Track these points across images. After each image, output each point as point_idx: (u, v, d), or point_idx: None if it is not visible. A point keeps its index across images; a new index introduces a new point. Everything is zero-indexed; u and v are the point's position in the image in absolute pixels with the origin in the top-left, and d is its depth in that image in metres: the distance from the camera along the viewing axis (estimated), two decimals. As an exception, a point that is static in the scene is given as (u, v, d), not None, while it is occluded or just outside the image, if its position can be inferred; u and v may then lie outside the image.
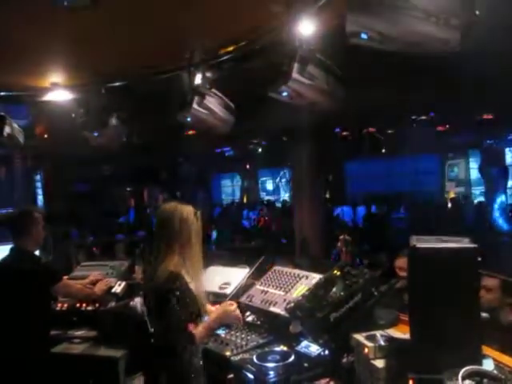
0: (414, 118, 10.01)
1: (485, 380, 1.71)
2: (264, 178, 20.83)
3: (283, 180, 18.42)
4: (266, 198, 19.03)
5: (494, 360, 1.96)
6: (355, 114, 7.10)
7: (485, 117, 9.58)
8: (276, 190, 20.05)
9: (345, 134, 9.72)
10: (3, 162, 9.98)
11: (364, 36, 1.85)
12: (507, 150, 11.18)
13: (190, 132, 7.42)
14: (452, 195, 13.78)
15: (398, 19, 1.73)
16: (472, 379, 1.71)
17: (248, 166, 17.70)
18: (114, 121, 4.33)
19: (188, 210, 2.44)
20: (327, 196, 12.33)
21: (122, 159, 12.27)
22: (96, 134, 4.37)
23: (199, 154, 13.64)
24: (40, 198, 10.16)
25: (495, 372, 1.78)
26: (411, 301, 2.05)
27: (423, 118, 10.04)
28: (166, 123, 8.10)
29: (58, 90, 4.48)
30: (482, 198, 12.61)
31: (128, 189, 18.49)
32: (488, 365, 1.88)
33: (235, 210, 16.32)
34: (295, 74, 2.80)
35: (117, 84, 4.28)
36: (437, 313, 1.88)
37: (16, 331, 3.17)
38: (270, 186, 20.71)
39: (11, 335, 3.17)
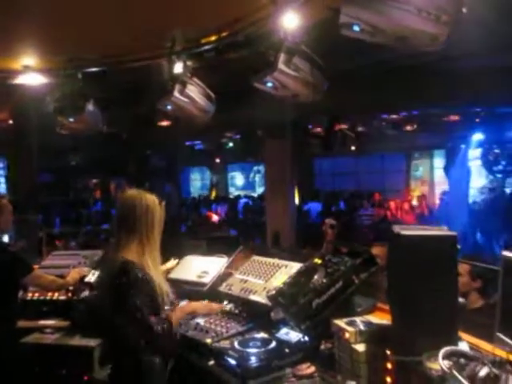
0: (384, 117, 10.27)
1: (461, 360, 1.80)
2: (233, 173, 20.83)
3: (257, 175, 18.43)
4: (236, 193, 19.02)
5: (468, 342, 2.07)
6: (328, 110, 7.21)
7: (451, 118, 9.93)
8: (247, 185, 20.07)
9: (316, 130, 9.87)
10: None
11: (356, 28, 1.90)
12: (470, 150, 11.61)
13: (164, 123, 7.34)
14: (417, 193, 14.20)
15: (392, 12, 1.79)
16: (450, 359, 1.80)
17: (218, 160, 17.63)
18: (90, 107, 4.24)
19: (151, 198, 2.39)
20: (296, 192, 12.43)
21: (89, 149, 12.00)
22: (72, 120, 4.26)
23: (169, 147, 13.50)
24: (3, 186, 9.77)
25: (471, 352, 1.87)
26: (391, 286, 2.13)
27: (392, 117, 10.32)
28: (138, 113, 8.01)
29: (30, 74, 4.34)
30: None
31: (94, 180, 18.09)
32: (463, 347, 1.97)
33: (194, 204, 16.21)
34: (281, 65, 2.84)
35: (94, 70, 4.18)
36: (416, 297, 1.96)
37: None
38: (239, 181, 20.72)
39: None
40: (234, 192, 19.63)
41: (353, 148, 13.26)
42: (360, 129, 10.92)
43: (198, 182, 21.67)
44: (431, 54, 5.28)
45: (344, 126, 8.79)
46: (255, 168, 18.17)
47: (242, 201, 15.75)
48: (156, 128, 8.51)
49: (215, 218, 13.90)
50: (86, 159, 13.24)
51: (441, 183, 13.98)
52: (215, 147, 15.69)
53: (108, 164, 12.83)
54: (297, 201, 10.27)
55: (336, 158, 15.22)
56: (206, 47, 3.70)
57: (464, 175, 11.72)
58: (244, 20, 3.35)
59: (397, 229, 2.04)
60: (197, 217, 13.40)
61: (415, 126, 10.74)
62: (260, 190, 18.00)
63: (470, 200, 11.81)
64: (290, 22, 2.94)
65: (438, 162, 14.15)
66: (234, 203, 15.64)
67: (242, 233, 8.30)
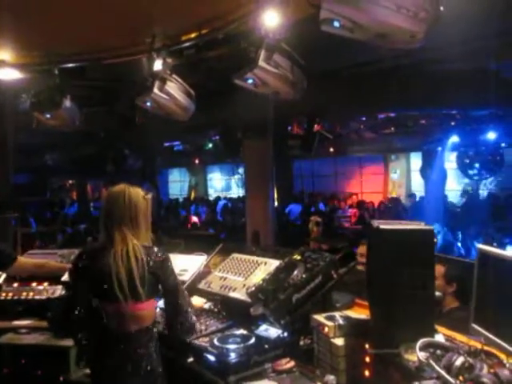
0: (362, 119, 10.41)
1: (438, 351, 1.83)
2: (212, 175, 20.76)
3: (236, 176, 18.37)
4: (215, 194, 18.96)
5: (444, 335, 2.11)
6: (307, 111, 7.26)
7: (427, 121, 10.13)
8: (226, 187, 20.01)
9: (296, 132, 9.91)
10: None
11: (336, 24, 1.92)
12: (446, 153, 11.83)
13: (142, 123, 7.26)
14: (394, 195, 14.43)
15: (371, 9, 1.82)
16: (427, 350, 1.83)
17: (197, 162, 17.53)
18: (67, 103, 4.16)
19: (135, 191, 2.41)
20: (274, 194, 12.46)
21: (66, 148, 11.79)
22: (48, 116, 4.18)
23: (147, 147, 13.37)
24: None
25: (447, 343, 1.91)
26: (370, 280, 2.16)
27: (370, 119, 10.46)
28: (116, 112, 7.91)
29: (5, 68, 4.24)
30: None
31: (70, 181, 17.79)
32: (439, 339, 2.01)
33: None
34: (261, 62, 2.85)
35: (71, 65, 4.12)
36: (394, 290, 1.99)
37: None
38: (218, 183, 20.66)
39: None
40: (213, 194, 19.57)
41: (331, 150, 13.40)
42: (338, 131, 11.02)
43: (176, 183, 21.52)
44: (410, 56, 5.41)
45: (322, 128, 8.87)
46: (234, 169, 18.13)
47: (221, 202, 15.72)
48: (134, 128, 8.43)
49: (195, 219, 13.84)
50: (63, 159, 13.01)
51: (417, 185, 14.24)
52: (194, 148, 15.61)
53: (85, 164, 12.62)
54: (276, 202, 10.31)
55: (314, 160, 15.34)
56: (186, 44, 3.68)
57: (440, 178, 11.95)
58: (224, 17, 3.36)
59: (376, 223, 2.07)
60: (176, 218, 13.34)
61: (392, 129, 10.91)
62: (239, 191, 17.98)
63: (446, 202, 12.07)
64: (271, 19, 2.95)
65: (415, 164, 14.39)
66: (213, 205, 15.61)
67: (221, 233, 8.28)
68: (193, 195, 19.63)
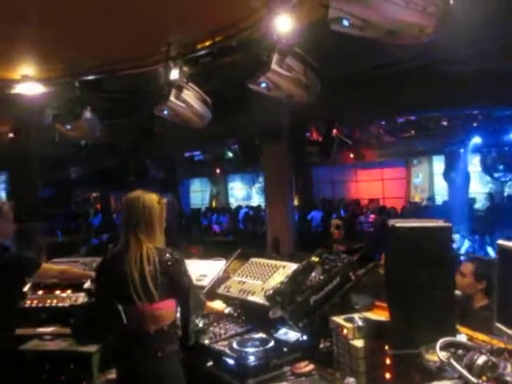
0: (381, 123, 10.30)
1: (459, 351, 1.79)
2: (233, 184, 20.83)
3: (257, 185, 18.39)
4: (236, 204, 19.00)
5: (467, 335, 2.06)
6: (325, 115, 7.24)
7: (448, 122, 9.95)
8: (247, 196, 20.03)
9: (314, 138, 9.88)
10: (-37, 160, 9.56)
11: (345, 22, 1.92)
12: (470, 156, 11.60)
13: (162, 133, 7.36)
14: (417, 199, 14.19)
15: (380, 6, 1.82)
16: (448, 350, 1.79)
17: (218, 171, 17.63)
18: (88, 114, 4.27)
19: (150, 197, 2.51)
20: (296, 201, 12.45)
21: (89, 161, 12.02)
22: (69, 127, 4.29)
23: (167, 158, 13.53)
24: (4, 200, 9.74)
25: (469, 342, 1.86)
26: (389, 280, 2.12)
27: (389, 123, 10.35)
28: (136, 123, 8.04)
29: (28, 83, 4.37)
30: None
31: (94, 194, 18.10)
32: (461, 339, 1.96)
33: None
34: (274, 65, 2.87)
35: (90, 78, 4.22)
36: (413, 290, 1.96)
37: None
38: (239, 192, 20.70)
39: None
40: (234, 203, 19.61)
41: (351, 155, 13.31)
42: (357, 136, 10.94)
43: (198, 193, 21.66)
44: (427, 57, 5.34)
45: (341, 133, 8.82)
46: (255, 178, 18.15)
47: (243, 211, 15.75)
48: (154, 138, 8.54)
49: (216, 228, 13.91)
50: (86, 172, 13.28)
51: (440, 189, 13.97)
52: (214, 158, 15.71)
53: (108, 176, 12.85)
54: (297, 209, 10.27)
55: (334, 166, 15.26)
56: (201, 52, 3.73)
57: (464, 181, 11.70)
58: (238, 24, 3.39)
59: (392, 222, 2.04)
60: (197, 228, 13.41)
61: (413, 132, 10.76)
62: (260, 200, 17.97)
63: (471, 205, 11.80)
64: (284, 24, 2.97)
65: (438, 168, 14.13)
66: (234, 213, 15.64)
67: (242, 240, 8.28)
68: (214, 204, 19.72)
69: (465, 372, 1.62)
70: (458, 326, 2.10)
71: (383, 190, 16.04)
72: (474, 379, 1.59)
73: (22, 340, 3.37)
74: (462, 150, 11.41)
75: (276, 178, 7.29)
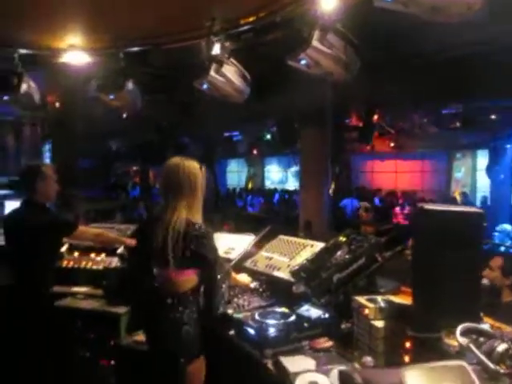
0: (424, 113, 9.99)
1: (481, 338, 1.76)
2: (269, 167, 20.81)
3: (293, 169, 18.24)
4: (271, 186, 19.00)
5: (490, 325, 2.02)
6: (366, 99, 7.10)
7: (497, 116, 9.54)
8: (282, 180, 19.99)
9: (354, 123, 9.71)
10: (11, 128, 9.94)
11: (389, -3, 1.88)
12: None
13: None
14: (456, 195, 13.76)
15: (425, -21, 1.76)
16: (468, 336, 1.77)
17: (255, 152, 17.65)
18: (130, 85, 4.38)
19: (193, 163, 2.52)
20: (332, 187, 12.33)
21: (129, 135, 12.31)
22: (112, 97, 4.42)
23: (206, 136, 13.66)
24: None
25: (490, 330, 1.83)
26: (414, 263, 2.10)
27: (434, 113, 10.02)
28: (176, 100, 8.14)
29: (74, 52, 4.50)
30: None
31: (134, 168, 18.55)
32: (484, 327, 1.93)
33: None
34: (315, 42, 2.84)
35: (135, 49, 4.30)
36: (439, 274, 1.93)
37: (23, 280, 3.25)
38: (275, 175, 20.69)
39: (19, 283, 3.25)
40: (269, 185, 19.64)
41: (391, 145, 13.01)
42: (400, 125, 10.66)
43: (234, 173, 21.79)
44: (476, 46, 5.12)
45: (382, 120, 8.63)
46: (291, 162, 18.02)
47: (278, 193, 15.78)
48: (194, 116, 8.63)
49: (250, 209, 14.00)
50: (127, 145, 13.60)
51: (483, 186, 13.50)
52: (253, 139, 15.73)
53: (147, 151, 13.12)
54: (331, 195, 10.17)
55: (375, 155, 14.97)
56: (244, 28, 3.73)
57: (507, 177, 11.25)
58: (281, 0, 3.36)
59: (420, 205, 2.01)
60: (232, 208, 13.53)
61: (458, 124, 10.37)
62: (295, 184, 17.87)
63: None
64: (329, 1, 2.92)
65: (482, 163, 13.63)
66: (269, 196, 15.67)
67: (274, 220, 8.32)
68: (250, 186, 19.81)
69: (483, 358, 1.60)
70: (483, 316, 2.06)
71: (423, 182, 15.64)
72: (492, 365, 1.57)
73: (57, 297, 3.56)
74: (508, 146, 10.95)
75: (312, 161, 7.26)
